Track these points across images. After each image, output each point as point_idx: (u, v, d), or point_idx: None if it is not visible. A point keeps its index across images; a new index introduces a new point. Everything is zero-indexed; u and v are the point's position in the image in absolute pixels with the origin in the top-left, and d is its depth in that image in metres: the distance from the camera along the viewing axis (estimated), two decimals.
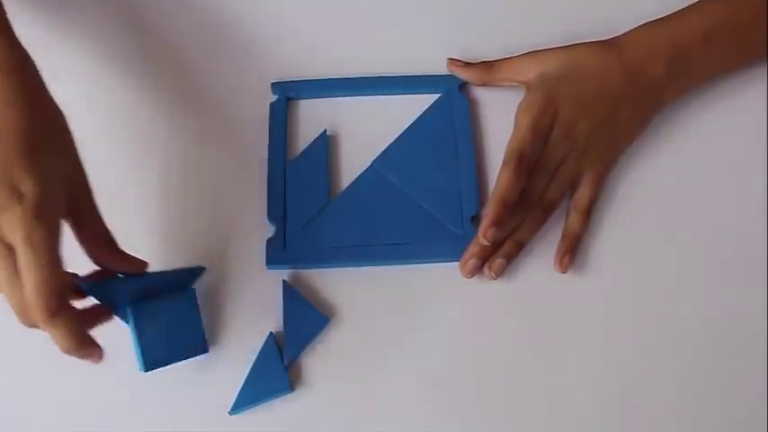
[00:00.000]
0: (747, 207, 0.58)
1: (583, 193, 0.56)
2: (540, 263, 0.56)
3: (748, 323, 0.54)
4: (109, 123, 0.59)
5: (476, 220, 0.57)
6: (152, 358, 0.51)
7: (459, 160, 0.58)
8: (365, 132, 0.60)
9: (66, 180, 0.45)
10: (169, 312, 0.52)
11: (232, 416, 0.52)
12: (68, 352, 0.45)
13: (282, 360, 0.53)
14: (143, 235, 0.56)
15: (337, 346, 0.54)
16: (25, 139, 0.44)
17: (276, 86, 0.60)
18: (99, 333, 0.53)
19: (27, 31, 0.49)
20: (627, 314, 0.55)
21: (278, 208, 0.56)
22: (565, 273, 0.55)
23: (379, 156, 0.58)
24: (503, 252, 0.55)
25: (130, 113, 0.60)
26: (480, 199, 0.57)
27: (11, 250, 0.43)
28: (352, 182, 0.58)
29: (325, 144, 0.59)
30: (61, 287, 0.43)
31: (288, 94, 0.60)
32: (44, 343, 0.52)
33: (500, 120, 0.58)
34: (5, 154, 0.43)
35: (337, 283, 0.55)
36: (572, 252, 0.55)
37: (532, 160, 0.55)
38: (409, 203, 0.57)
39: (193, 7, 0.63)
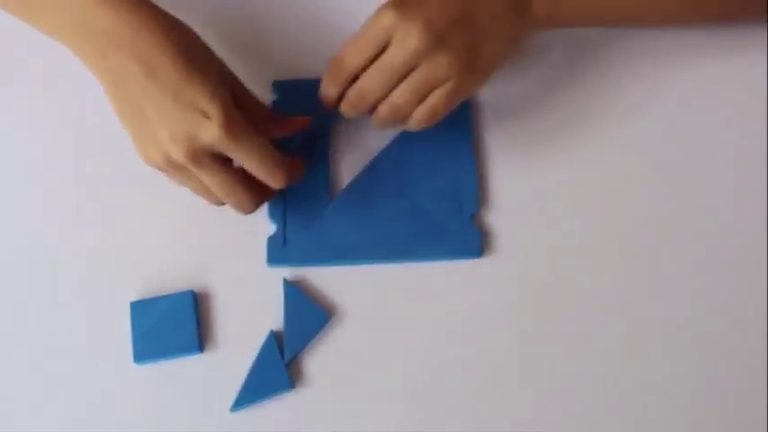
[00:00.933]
0: (746, 202, 0.58)
1: (432, 99, 0.50)
2: (541, 262, 0.56)
3: (748, 320, 0.55)
4: (109, 121, 0.59)
5: (475, 218, 0.57)
6: (143, 351, 0.53)
7: (458, 159, 0.58)
8: (365, 131, 0.59)
9: (224, 80, 0.49)
10: (165, 308, 0.53)
11: (233, 413, 0.52)
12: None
13: (283, 358, 0.53)
14: (146, 231, 0.56)
15: (338, 343, 0.54)
16: (179, 57, 0.47)
17: (277, 86, 0.60)
18: (101, 330, 0.54)
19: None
20: (638, 324, 0.55)
21: (278, 206, 0.56)
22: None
23: (379, 154, 0.58)
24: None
25: None
26: (480, 198, 0.57)
27: (224, 161, 0.49)
28: (353, 180, 0.58)
29: (326, 142, 0.59)
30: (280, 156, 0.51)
31: (289, 94, 0.60)
32: (43, 343, 0.54)
33: (500, 117, 0.59)
34: (171, 78, 0.47)
35: (338, 282, 0.55)
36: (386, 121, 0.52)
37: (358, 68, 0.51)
38: (409, 202, 0.57)
39: (194, 6, 0.63)
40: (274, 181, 0.50)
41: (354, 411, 0.53)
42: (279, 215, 0.56)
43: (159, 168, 0.49)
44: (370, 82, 0.51)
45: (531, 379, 0.53)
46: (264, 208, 0.56)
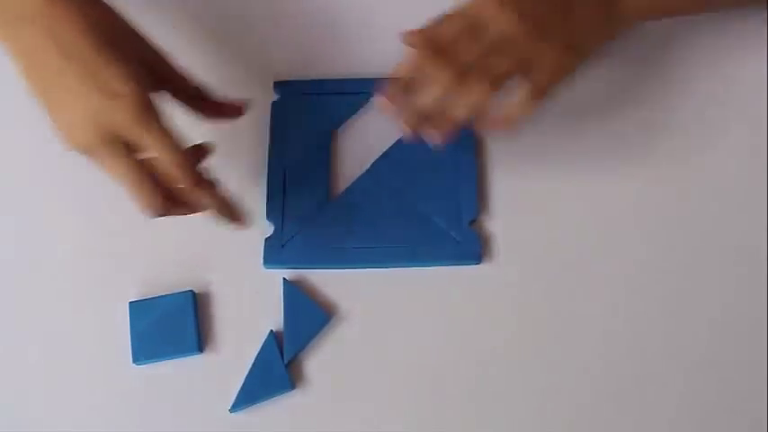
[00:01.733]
0: (757, 216, 0.57)
1: (538, 74, 0.50)
2: (540, 268, 0.56)
3: (750, 323, 0.54)
4: None
5: (475, 224, 0.57)
6: (142, 351, 0.53)
7: (459, 163, 0.58)
8: (366, 134, 0.59)
9: (144, 59, 0.48)
10: (165, 308, 0.53)
11: (232, 414, 0.53)
12: (221, 210, 0.49)
13: (282, 358, 0.53)
14: (143, 231, 0.56)
15: (338, 343, 0.54)
16: (93, 35, 0.46)
17: (278, 86, 0.60)
18: (100, 330, 0.55)
19: None
20: (638, 327, 0.55)
21: (277, 207, 0.56)
22: (505, 130, 0.52)
23: (380, 158, 0.58)
24: (434, 124, 0.51)
25: None
26: (479, 203, 0.57)
27: (127, 144, 0.46)
28: (352, 183, 0.58)
29: (327, 144, 0.59)
30: (197, 152, 0.49)
31: (290, 94, 0.60)
32: (42, 343, 0.54)
33: None
34: (84, 56, 0.45)
35: (338, 282, 0.55)
36: (514, 121, 0.51)
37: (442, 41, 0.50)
38: (408, 206, 0.57)
39: (196, 5, 0.63)
40: (183, 176, 0.47)
41: (354, 411, 0.53)
42: (277, 216, 0.56)
43: (78, 152, 0.47)
44: (467, 51, 0.49)
45: (530, 383, 0.53)
46: (263, 208, 0.56)
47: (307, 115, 0.59)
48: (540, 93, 0.50)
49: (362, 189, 0.57)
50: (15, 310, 0.56)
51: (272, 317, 0.55)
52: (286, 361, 0.53)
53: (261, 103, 0.59)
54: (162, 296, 0.54)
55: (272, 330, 0.54)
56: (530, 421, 0.53)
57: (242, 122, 0.58)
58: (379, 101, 0.51)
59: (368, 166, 0.58)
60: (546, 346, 0.54)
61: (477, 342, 0.54)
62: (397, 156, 0.58)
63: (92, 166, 0.48)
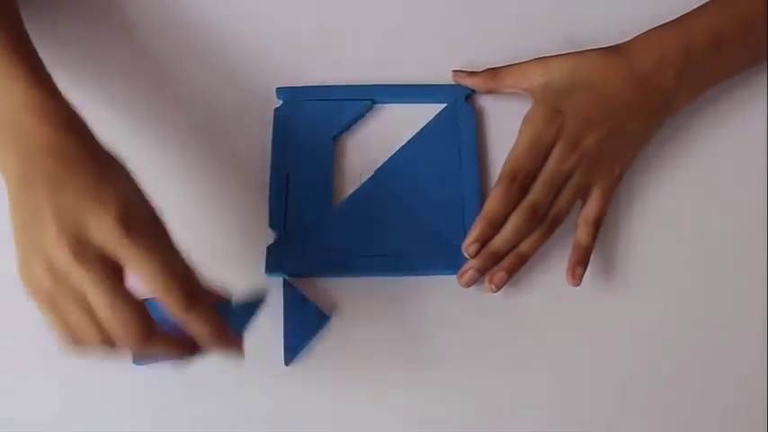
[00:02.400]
0: (757, 217, 0.58)
1: (592, 207, 0.55)
2: (542, 275, 0.56)
3: (761, 336, 0.55)
4: (113, 125, 0.59)
5: None
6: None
7: (462, 172, 0.58)
8: (369, 140, 0.59)
9: (139, 195, 0.45)
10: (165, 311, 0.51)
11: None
12: (211, 339, 0.44)
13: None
14: None
15: (338, 344, 0.54)
16: (96, 160, 0.44)
17: (281, 92, 0.60)
18: None
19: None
20: (638, 329, 0.55)
21: (279, 214, 0.56)
22: (578, 285, 0.54)
23: (382, 165, 0.58)
24: (504, 265, 0.54)
25: (134, 116, 0.60)
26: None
27: (108, 264, 0.41)
28: (355, 191, 0.57)
29: (329, 151, 0.59)
30: (190, 273, 0.44)
31: (292, 100, 0.60)
32: (42, 342, 0.52)
33: (507, 131, 0.57)
34: (82, 170, 0.43)
35: (338, 284, 0.55)
36: (583, 264, 0.54)
37: (527, 178, 0.54)
38: (411, 215, 0.56)
39: (199, 11, 0.63)
40: (171, 301, 0.42)
41: (354, 412, 0.52)
42: (279, 224, 0.56)
43: (40, 293, 0.42)
44: (541, 190, 0.54)
45: (530, 390, 0.53)
46: (265, 216, 0.56)
47: (309, 121, 0.59)
48: (596, 225, 0.55)
49: (365, 197, 0.57)
50: (17, 308, 0.53)
51: (273, 317, 0.54)
52: (286, 361, 0.53)
53: (263, 109, 0.59)
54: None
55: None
56: (531, 426, 0.53)
57: (246, 127, 0.59)
58: (467, 245, 0.53)
59: (370, 173, 0.58)
60: (549, 354, 0.54)
61: (478, 349, 0.54)
62: (399, 163, 0.58)
63: (41, 310, 0.43)
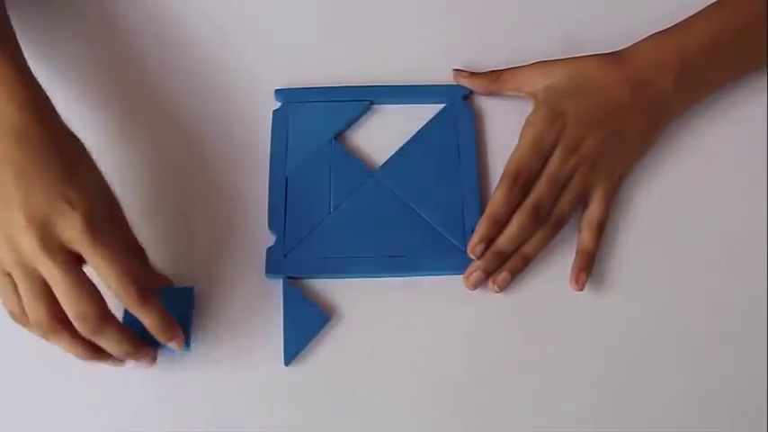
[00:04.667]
0: (757, 218, 0.58)
1: (593, 210, 0.56)
2: (542, 276, 0.56)
3: (760, 339, 0.54)
4: (112, 129, 0.59)
5: None
6: None
7: (462, 172, 0.58)
8: (368, 141, 0.59)
9: (102, 193, 0.48)
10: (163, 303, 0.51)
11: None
12: (161, 330, 0.48)
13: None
14: (145, 238, 0.55)
15: (338, 344, 0.54)
16: (66, 155, 0.47)
17: (280, 93, 0.60)
18: None
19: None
20: (638, 331, 0.55)
21: (279, 216, 0.56)
22: (581, 290, 0.54)
23: (382, 166, 0.58)
24: (509, 266, 0.54)
25: (133, 118, 0.60)
26: (483, 212, 0.56)
27: (71, 255, 0.45)
28: (354, 192, 0.57)
29: (329, 152, 0.58)
30: (143, 268, 0.49)
31: (291, 101, 0.60)
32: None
33: (505, 131, 0.58)
34: (51, 165, 0.46)
35: (338, 284, 0.55)
36: (587, 269, 0.55)
37: (530, 178, 0.55)
38: (411, 215, 0.56)
39: (197, 12, 0.63)
40: (127, 297, 0.46)
41: (353, 412, 0.52)
42: (279, 226, 0.56)
43: (1, 270, 0.46)
44: (543, 190, 0.55)
45: (531, 391, 0.53)
46: (265, 218, 0.56)
47: (308, 123, 0.59)
48: (598, 229, 0.55)
49: (364, 198, 0.57)
50: None
51: (272, 317, 0.54)
52: (286, 361, 0.53)
53: (262, 110, 0.59)
54: (160, 289, 0.52)
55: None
56: (530, 428, 0.52)
57: (245, 129, 0.59)
58: (473, 247, 0.54)
59: (370, 174, 0.58)
60: (550, 356, 0.54)
61: (476, 348, 0.54)
62: (399, 164, 0.58)
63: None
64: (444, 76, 0.61)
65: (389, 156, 0.58)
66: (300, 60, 0.62)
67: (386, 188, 0.57)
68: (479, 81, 0.60)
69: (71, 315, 0.45)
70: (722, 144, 0.60)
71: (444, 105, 0.60)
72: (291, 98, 0.60)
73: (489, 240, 0.54)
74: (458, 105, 0.60)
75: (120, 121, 0.60)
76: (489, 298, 0.55)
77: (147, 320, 0.48)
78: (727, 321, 0.55)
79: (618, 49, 0.58)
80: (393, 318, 0.55)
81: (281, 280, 0.55)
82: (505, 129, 0.58)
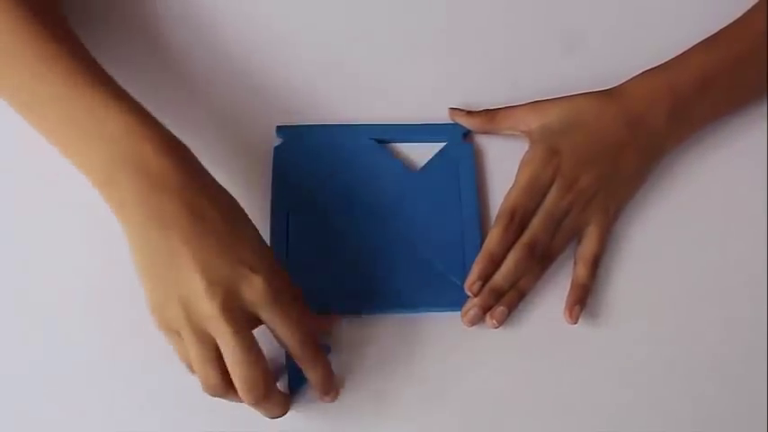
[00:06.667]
0: (756, 250, 0.58)
1: (589, 245, 0.56)
2: (541, 312, 0.56)
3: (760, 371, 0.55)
4: None
5: None
6: None
7: (462, 209, 0.58)
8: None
9: (267, 253, 0.48)
10: None
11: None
12: (324, 387, 0.50)
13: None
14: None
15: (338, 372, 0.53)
16: (229, 212, 0.47)
17: (281, 130, 0.60)
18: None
19: None
20: (634, 366, 0.55)
21: (281, 253, 0.56)
22: (575, 323, 0.55)
23: (383, 203, 0.58)
24: (505, 301, 0.55)
25: None
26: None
27: (250, 321, 0.46)
28: (354, 227, 0.57)
29: (329, 189, 0.58)
30: (315, 329, 0.50)
31: (292, 139, 0.60)
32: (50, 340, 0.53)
33: (505, 169, 0.58)
34: (219, 228, 0.45)
35: (337, 327, 0.55)
36: (581, 302, 0.55)
37: (525, 216, 0.55)
38: (411, 252, 0.56)
39: (200, 49, 0.63)
40: (302, 359, 0.48)
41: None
42: (281, 263, 0.53)
43: (169, 328, 0.46)
44: (539, 227, 0.55)
45: (524, 419, 0.53)
46: None
47: (309, 160, 0.59)
48: (594, 263, 0.56)
49: (365, 235, 0.57)
50: (27, 312, 0.55)
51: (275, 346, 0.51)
52: (293, 393, 0.52)
53: (263, 147, 0.59)
54: None
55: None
56: None
57: (244, 167, 0.59)
58: (470, 284, 0.54)
59: (370, 210, 0.58)
60: (553, 394, 0.54)
61: (476, 385, 0.54)
62: (398, 200, 0.58)
63: (174, 348, 0.47)
64: (445, 115, 0.61)
65: (390, 193, 0.58)
66: (301, 98, 0.62)
67: (387, 225, 0.57)
68: (475, 120, 0.60)
69: (239, 381, 0.45)
70: (719, 174, 0.60)
71: (445, 144, 0.60)
72: (293, 135, 0.60)
73: (486, 277, 0.54)
74: (458, 143, 0.60)
75: None
76: (487, 334, 0.55)
77: (314, 377, 0.49)
78: (727, 355, 0.55)
79: (609, 88, 0.59)
80: (392, 354, 0.54)
81: None
82: (506, 166, 0.58)
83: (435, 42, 0.64)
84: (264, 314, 0.46)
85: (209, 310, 0.44)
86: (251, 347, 0.45)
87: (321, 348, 0.49)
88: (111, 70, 0.53)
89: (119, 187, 0.45)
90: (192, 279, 0.44)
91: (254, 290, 0.45)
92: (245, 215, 0.48)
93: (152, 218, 0.45)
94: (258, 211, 0.56)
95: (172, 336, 0.46)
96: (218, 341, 0.45)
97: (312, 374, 0.49)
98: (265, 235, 0.56)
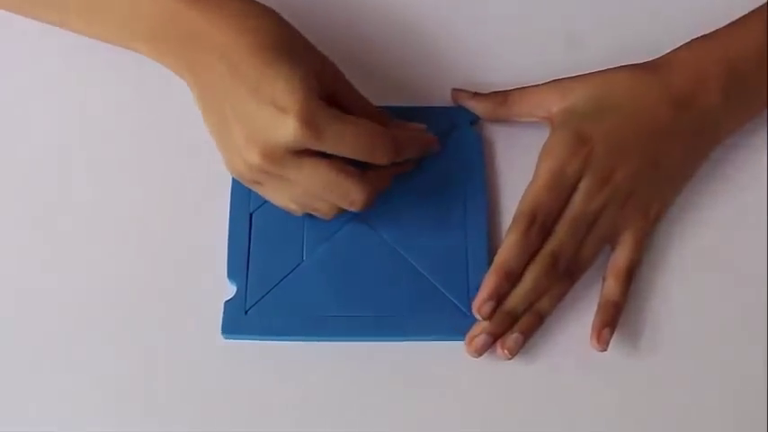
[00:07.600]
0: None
1: (622, 255, 0.52)
2: (563, 338, 0.52)
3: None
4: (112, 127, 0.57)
5: None
6: None
7: (467, 214, 0.53)
8: None
9: (317, 75, 0.47)
10: None
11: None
12: (421, 150, 0.52)
13: None
14: (99, 286, 0.52)
15: (317, 426, 0.50)
16: (258, 50, 0.46)
17: None
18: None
19: None
20: (674, 399, 0.50)
21: (240, 264, 0.51)
22: (604, 350, 0.50)
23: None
24: (520, 326, 0.50)
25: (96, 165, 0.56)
26: (491, 263, 0.51)
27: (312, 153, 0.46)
28: (334, 235, 0.52)
29: None
30: (383, 122, 0.49)
31: None
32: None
33: (520, 163, 0.54)
34: (250, 73, 0.45)
35: (311, 356, 0.51)
36: (612, 325, 0.50)
37: (549, 219, 0.51)
38: (403, 267, 0.52)
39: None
40: (379, 157, 0.47)
41: None
42: (240, 275, 0.51)
43: (244, 179, 0.48)
44: (565, 234, 0.51)
45: None
46: (223, 265, 0.51)
47: None
48: (628, 277, 0.52)
49: (348, 243, 0.52)
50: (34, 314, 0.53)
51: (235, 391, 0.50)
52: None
53: None
54: None
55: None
56: None
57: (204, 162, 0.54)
58: (480, 305, 0.50)
59: (354, 215, 0.51)
60: (550, 421, 0.50)
61: (482, 425, 0.50)
62: (391, 205, 0.53)
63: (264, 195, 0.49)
64: (447, 98, 0.57)
65: (382, 194, 0.52)
66: None
67: (373, 233, 0.53)
68: (484, 104, 0.55)
69: (337, 203, 0.47)
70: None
71: (448, 131, 0.55)
72: None
73: (499, 297, 0.50)
74: (463, 132, 0.55)
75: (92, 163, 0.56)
76: (494, 364, 0.50)
77: (409, 154, 0.51)
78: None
79: (650, 60, 0.54)
80: (377, 387, 0.51)
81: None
82: (522, 160, 0.54)
83: (439, 26, 0.60)
84: (312, 147, 0.45)
85: (255, 160, 0.45)
86: (320, 173, 0.46)
87: (397, 138, 0.48)
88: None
89: (171, 61, 0.49)
90: (236, 134, 0.46)
91: (286, 132, 0.44)
92: (281, 42, 0.47)
93: (201, 82, 0.48)
94: (215, 212, 0.54)
95: (256, 187, 0.49)
96: (292, 183, 0.47)
97: (405, 155, 0.50)
98: (223, 241, 0.53)
